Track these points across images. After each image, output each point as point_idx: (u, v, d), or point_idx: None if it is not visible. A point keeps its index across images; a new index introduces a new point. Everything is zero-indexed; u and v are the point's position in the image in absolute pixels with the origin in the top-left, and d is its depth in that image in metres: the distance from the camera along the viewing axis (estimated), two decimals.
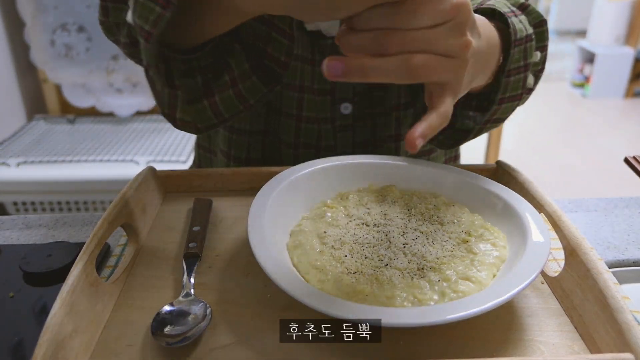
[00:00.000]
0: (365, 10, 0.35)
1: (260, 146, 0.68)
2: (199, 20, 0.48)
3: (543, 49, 0.57)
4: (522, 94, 0.54)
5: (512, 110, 0.56)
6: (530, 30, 0.53)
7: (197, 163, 0.80)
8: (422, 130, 0.37)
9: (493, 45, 0.47)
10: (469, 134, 0.58)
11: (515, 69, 0.52)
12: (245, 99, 0.55)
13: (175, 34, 0.48)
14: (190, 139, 1.64)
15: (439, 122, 0.38)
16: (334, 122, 0.65)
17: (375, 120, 0.67)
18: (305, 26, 0.60)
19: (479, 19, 0.44)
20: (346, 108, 0.64)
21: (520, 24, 0.51)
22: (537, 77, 0.59)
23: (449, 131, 0.59)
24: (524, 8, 0.56)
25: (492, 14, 0.51)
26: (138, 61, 0.58)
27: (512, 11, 0.52)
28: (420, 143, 0.37)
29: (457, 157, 0.77)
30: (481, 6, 0.52)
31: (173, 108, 0.52)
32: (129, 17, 0.48)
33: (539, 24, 0.56)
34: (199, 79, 0.53)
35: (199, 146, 0.78)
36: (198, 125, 0.55)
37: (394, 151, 0.68)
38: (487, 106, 0.55)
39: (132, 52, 0.56)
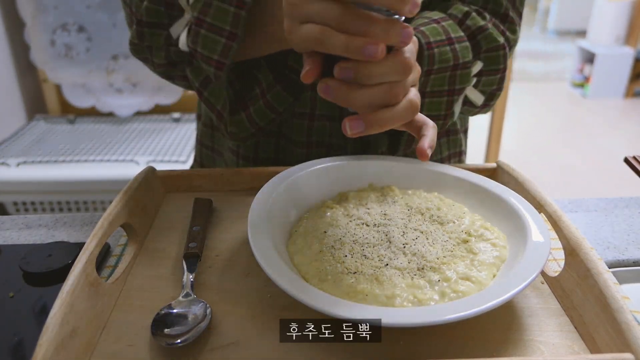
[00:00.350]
0: (374, 67, 0.39)
1: (270, 145, 0.69)
2: (250, 45, 0.55)
3: (496, 72, 0.60)
4: (444, 115, 0.59)
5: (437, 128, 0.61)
6: (468, 58, 0.57)
7: (199, 161, 0.80)
8: (429, 142, 0.46)
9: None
10: (396, 149, 0.64)
11: (433, 92, 0.57)
12: (274, 108, 0.61)
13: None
14: (190, 139, 1.64)
15: (435, 131, 0.48)
16: (343, 119, 0.65)
17: None
18: None
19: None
20: None
21: (451, 52, 0.56)
22: (495, 95, 0.63)
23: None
24: (481, 32, 0.59)
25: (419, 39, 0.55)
26: (172, 80, 0.65)
27: (450, 39, 0.56)
28: (430, 152, 0.46)
29: (462, 152, 0.77)
30: (417, 29, 0.56)
31: (224, 122, 0.62)
32: (182, 43, 0.55)
33: (492, 48, 0.59)
34: (231, 92, 0.60)
35: (201, 144, 0.78)
36: (241, 135, 0.63)
37: (402, 145, 0.69)
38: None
39: (167, 71, 0.63)
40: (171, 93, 1.76)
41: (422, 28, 0.56)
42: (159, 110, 1.80)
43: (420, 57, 0.54)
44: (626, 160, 0.67)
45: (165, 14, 0.57)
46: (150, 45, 0.59)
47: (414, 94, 0.43)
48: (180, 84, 0.66)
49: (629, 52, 3.64)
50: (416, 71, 0.46)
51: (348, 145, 0.67)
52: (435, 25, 0.57)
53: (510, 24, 0.63)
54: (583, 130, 3.34)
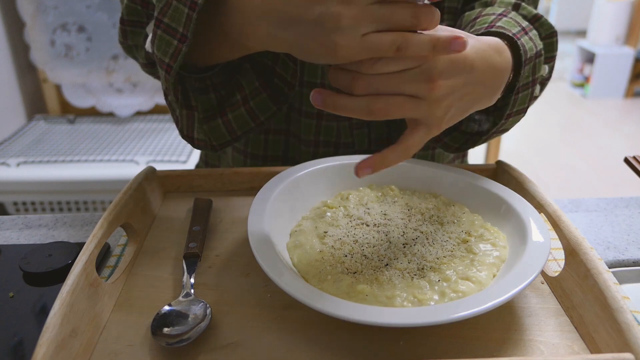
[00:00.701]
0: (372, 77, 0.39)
1: (279, 144, 0.69)
2: (209, 48, 0.51)
3: (551, 59, 0.59)
4: (528, 106, 0.56)
5: (518, 121, 0.58)
6: (540, 45, 0.54)
7: (204, 159, 0.81)
8: (374, 162, 0.42)
9: (502, 71, 0.48)
10: (476, 139, 0.59)
11: (524, 85, 0.53)
12: (256, 115, 0.58)
13: (190, 56, 0.51)
14: None
15: (395, 156, 0.43)
16: (350, 119, 0.66)
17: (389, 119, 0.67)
18: None
19: (490, 45, 0.46)
20: None
21: (531, 41, 0.53)
22: (543, 85, 0.61)
23: (455, 133, 0.61)
24: (537, 19, 0.57)
25: (502, 35, 0.52)
26: (157, 78, 0.61)
27: (523, 29, 0.53)
28: (364, 174, 0.42)
29: (464, 153, 0.77)
30: (492, 27, 0.53)
31: (191, 129, 0.56)
32: (148, 45, 0.52)
33: (550, 35, 0.58)
34: (213, 96, 0.57)
35: None
36: (214, 143, 0.58)
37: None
38: (494, 113, 0.56)
39: (151, 71, 0.61)
40: None
41: (498, 24, 0.53)
42: (159, 110, 1.80)
43: (515, 49, 0.51)
44: (626, 160, 0.67)
45: (143, 13, 0.55)
46: (134, 44, 0.58)
47: (384, 99, 0.41)
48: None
49: (629, 52, 3.64)
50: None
51: (355, 144, 0.67)
52: (505, 18, 0.55)
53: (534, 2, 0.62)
54: (583, 130, 3.34)
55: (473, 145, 0.60)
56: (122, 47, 0.61)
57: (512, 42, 0.51)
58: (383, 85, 0.40)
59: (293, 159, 0.69)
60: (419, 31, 0.39)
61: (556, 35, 0.58)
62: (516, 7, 0.58)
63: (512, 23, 0.54)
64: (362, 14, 0.37)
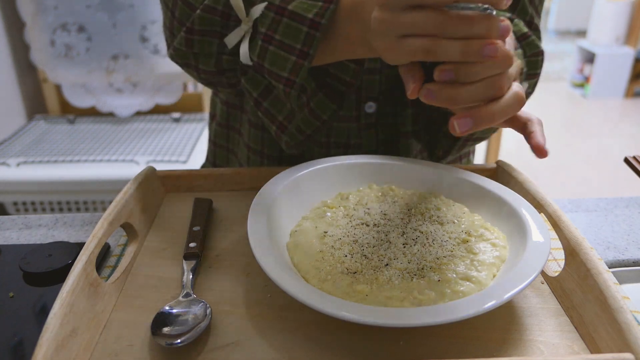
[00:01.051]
0: (472, 66, 0.39)
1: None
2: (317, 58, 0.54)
3: (534, 76, 0.61)
4: None
5: (491, 132, 0.61)
6: (522, 63, 0.57)
7: (212, 160, 0.81)
8: (542, 137, 0.45)
9: None
10: (453, 145, 0.64)
11: None
12: (318, 116, 0.61)
13: None
14: (190, 138, 1.64)
15: (542, 126, 0.47)
16: (359, 120, 0.66)
17: (397, 119, 0.68)
18: None
19: None
20: (370, 107, 0.65)
21: (519, 57, 0.55)
22: (527, 97, 0.63)
23: (439, 135, 0.65)
24: (525, 38, 0.60)
25: None
26: (213, 87, 0.65)
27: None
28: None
29: (469, 152, 0.77)
30: None
31: (287, 133, 0.62)
32: (244, 56, 0.54)
33: (535, 54, 0.60)
34: (297, 101, 0.60)
35: (215, 144, 0.79)
36: (292, 144, 0.63)
37: (411, 147, 0.69)
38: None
39: (214, 79, 0.62)
40: (171, 93, 1.77)
41: None
42: (159, 110, 1.80)
43: None
44: (626, 160, 0.67)
45: (219, 23, 0.56)
46: (199, 52, 0.59)
47: (517, 86, 0.42)
48: (225, 91, 0.66)
49: (629, 52, 3.64)
50: (516, 65, 0.45)
51: (363, 145, 0.67)
52: None
53: (534, 30, 0.64)
54: (583, 130, 3.34)
55: (450, 151, 0.65)
56: (175, 54, 0.61)
57: None
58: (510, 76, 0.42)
59: (307, 160, 0.69)
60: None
61: (542, 55, 0.60)
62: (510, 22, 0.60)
63: None
64: (394, 18, 0.39)
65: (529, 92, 0.63)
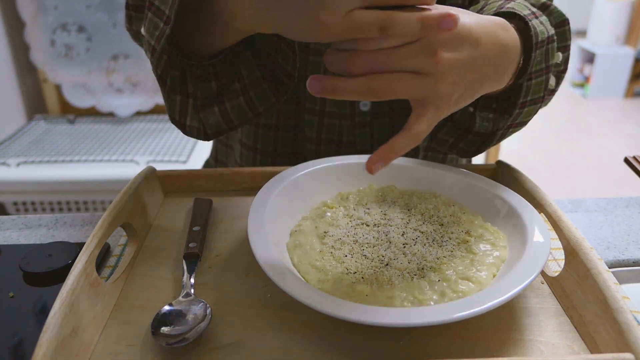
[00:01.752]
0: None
1: (289, 140, 0.69)
2: (204, 34, 0.50)
3: (565, 49, 0.56)
4: (544, 96, 0.53)
5: (535, 112, 0.55)
6: (552, 31, 0.52)
7: (214, 155, 0.82)
8: (384, 153, 0.39)
9: (510, 49, 0.45)
10: (491, 139, 0.57)
11: (537, 72, 0.50)
12: (255, 106, 0.57)
13: (191, 44, 0.51)
14: (190, 139, 1.64)
15: (405, 143, 0.40)
16: (353, 118, 0.66)
17: (393, 119, 0.67)
18: None
19: (495, 22, 0.44)
20: (365, 105, 0.65)
21: (542, 25, 0.50)
22: (559, 78, 0.59)
23: (469, 136, 0.59)
24: (546, 8, 0.55)
25: (513, 17, 0.50)
26: None
27: (533, 13, 0.51)
28: (378, 168, 0.39)
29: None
30: (501, 9, 0.51)
31: (183, 115, 0.54)
32: (143, 29, 0.50)
33: (561, 23, 0.55)
34: (214, 84, 0.55)
35: (217, 139, 0.79)
36: (207, 132, 0.57)
37: (420, 150, 0.69)
38: (508, 109, 0.54)
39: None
40: None
41: (507, 5, 0.51)
42: (159, 110, 1.80)
43: (526, 31, 0.48)
44: (626, 160, 0.67)
45: None
46: (137, 29, 0.58)
47: (384, 77, 0.38)
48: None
49: (629, 52, 3.64)
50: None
51: (357, 143, 0.67)
52: (513, 3, 0.53)
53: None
54: (583, 130, 3.34)
55: (489, 146, 0.58)
56: (130, 34, 0.61)
57: (521, 24, 0.48)
58: (383, 62, 0.37)
59: (302, 156, 0.69)
60: (417, 6, 0.36)
61: (568, 24, 0.56)
62: None
63: (522, 6, 0.51)
64: None
65: (562, 69, 0.58)
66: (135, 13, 0.57)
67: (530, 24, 0.48)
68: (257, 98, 0.57)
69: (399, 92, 0.38)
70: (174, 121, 0.55)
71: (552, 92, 0.58)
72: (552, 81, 0.55)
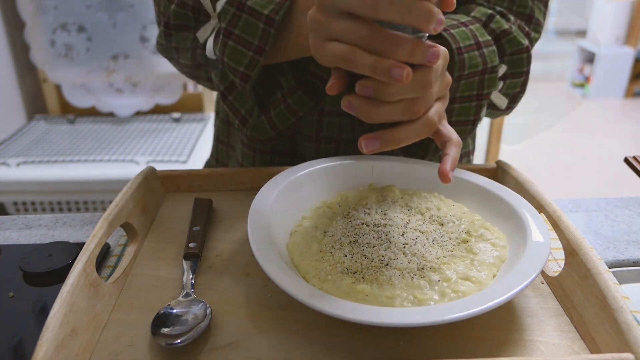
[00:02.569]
0: (394, 85, 0.40)
1: (287, 139, 0.69)
2: (275, 54, 0.56)
3: (520, 74, 0.60)
4: (474, 120, 0.59)
5: (466, 132, 0.60)
6: (495, 62, 0.57)
7: (215, 156, 0.82)
8: (451, 163, 0.45)
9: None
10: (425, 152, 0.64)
11: (463, 98, 0.57)
12: (294, 111, 0.62)
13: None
14: (190, 139, 1.64)
15: (459, 149, 0.47)
16: (352, 115, 0.65)
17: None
18: None
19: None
20: None
21: (480, 57, 0.56)
22: (517, 97, 0.63)
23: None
24: (505, 35, 0.59)
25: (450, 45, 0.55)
26: (197, 80, 0.67)
27: (477, 43, 0.56)
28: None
29: (469, 152, 0.77)
30: (447, 31, 0.56)
31: (248, 126, 0.63)
32: (209, 50, 0.56)
33: (517, 51, 0.59)
34: (252, 95, 0.60)
35: (218, 140, 0.80)
36: (260, 138, 0.63)
37: (429, 153, 0.69)
38: None
39: (193, 72, 0.65)
40: (171, 93, 1.76)
41: (452, 31, 0.56)
42: (159, 110, 1.80)
43: (451, 62, 0.54)
44: (626, 160, 0.67)
45: (192, 18, 0.58)
46: (177, 46, 0.61)
47: (434, 110, 0.44)
48: (205, 84, 0.67)
49: (629, 52, 3.64)
50: (444, 82, 0.46)
51: (357, 140, 0.67)
52: (463, 28, 0.57)
53: (535, 25, 0.63)
54: (583, 130, 3.34)
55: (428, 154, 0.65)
56: (159, 48, 0.64)
57: (452, 54, 0.54)
58: (432, 99, 0.43)
59: (301, 155, 0.69)
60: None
61: (527, 52, 0.59)
62: (489, 19, 0.59)
63: (467, 35, 0.56)
64: (325, 20, 0.39)
65: (518, 92, 0.62)
66: (176, 31, 0.59)
67: (459, 57, 0.54)
68: (295, 104, 0.61)
69: (440, 116, 0.45)
70: (241, 132, 0.63)
71: (507, 109, 0.64)
72: (502, 102, 0.62)
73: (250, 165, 0.70)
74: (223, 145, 0.79)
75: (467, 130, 0.60)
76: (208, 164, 0.85)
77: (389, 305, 0.40)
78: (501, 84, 0.60)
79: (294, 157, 0.70)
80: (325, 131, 0.66)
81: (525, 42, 0.59)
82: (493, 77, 0.57)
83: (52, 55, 1.67)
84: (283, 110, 0.61)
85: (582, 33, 4.22)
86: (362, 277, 0.42)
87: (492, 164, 0.64)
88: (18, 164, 1.46)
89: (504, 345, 0.40)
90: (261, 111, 0.61)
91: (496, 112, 0.64)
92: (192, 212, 0.56)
